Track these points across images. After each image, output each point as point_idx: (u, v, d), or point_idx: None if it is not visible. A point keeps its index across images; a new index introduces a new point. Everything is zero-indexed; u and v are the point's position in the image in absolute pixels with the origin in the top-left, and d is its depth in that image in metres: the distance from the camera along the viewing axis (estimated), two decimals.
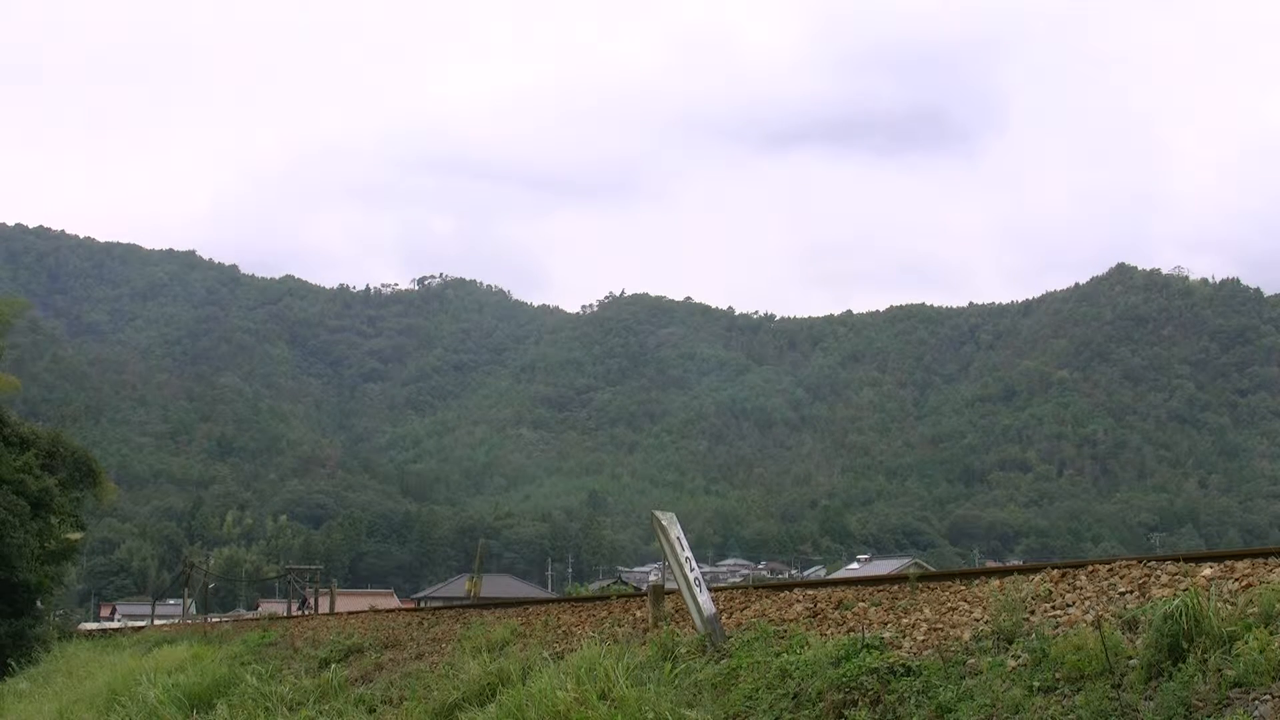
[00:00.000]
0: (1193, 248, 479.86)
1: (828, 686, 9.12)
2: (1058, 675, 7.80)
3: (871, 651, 9.40)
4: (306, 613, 44.83)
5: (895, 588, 11.62)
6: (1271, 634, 7.06)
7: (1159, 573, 8.90)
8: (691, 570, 12.01)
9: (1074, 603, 9.05)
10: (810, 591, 12.84)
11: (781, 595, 13.13)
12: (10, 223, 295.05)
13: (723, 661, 10.92)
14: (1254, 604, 7.55)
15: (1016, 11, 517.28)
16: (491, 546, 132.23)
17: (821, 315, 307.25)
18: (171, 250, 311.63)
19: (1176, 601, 7.55)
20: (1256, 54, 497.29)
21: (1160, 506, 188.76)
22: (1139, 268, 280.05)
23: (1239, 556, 8.90)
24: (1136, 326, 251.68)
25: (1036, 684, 7.80)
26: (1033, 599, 9.37)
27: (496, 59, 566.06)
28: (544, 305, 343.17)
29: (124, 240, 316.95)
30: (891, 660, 9.08)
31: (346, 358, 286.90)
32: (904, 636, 9.79)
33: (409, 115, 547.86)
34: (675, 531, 12.27)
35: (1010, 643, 8.66)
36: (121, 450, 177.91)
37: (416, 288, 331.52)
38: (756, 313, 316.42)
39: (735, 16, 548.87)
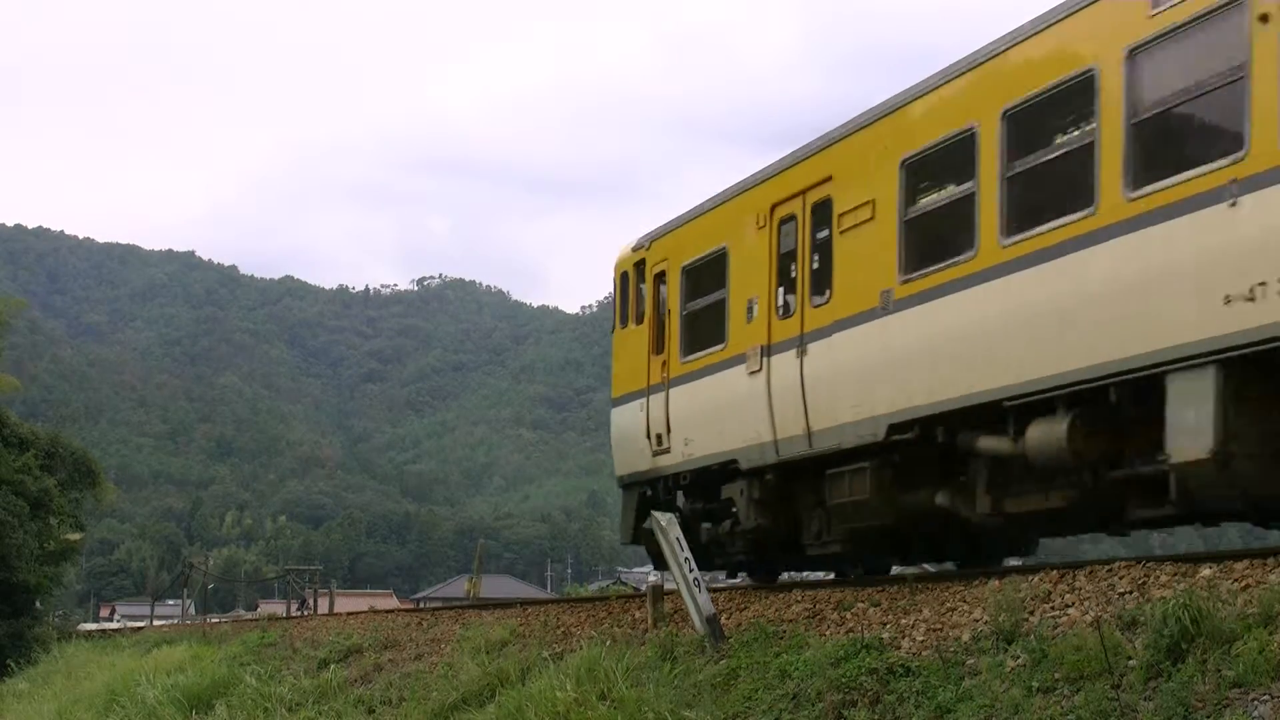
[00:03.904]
0: None
1: (827, 687, 9.12)
2: (1057, 675, 7.79)
3: (871, 652, 9.40)
4: (306, 613, 44.68)
5: (894, 588, 11.60)
6: (1271, 634, 7.05)
7: (1159, 573, 8.89)
8: (691, 571, 12.01)
9: (1073, 603, 9.02)
10: (809, 592, 12.83)
11: (781, 596, 13.11)
12: (10, 223, 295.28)
13: (722, 662, 10.91)
14: (1253, 604, 7.53)
15: (1015, 13, 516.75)
16: (491, 547, 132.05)
17: None
18: (171, 251, 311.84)
19: (1176, 602, 7.55)
20: None
21: None
22: None
23: (1238, 556, 8.88)
24: None
25: (1036, 684, 7.80)
26: (1032, 599, 9.36)
27: (496, 59, 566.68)
28: (543, 305, 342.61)
29: (123, 241, 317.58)
30: (891, 661, 9.08)
31: (346, 358, 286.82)
32: (903, 637, 9.78)
33: (409, 115, 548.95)
34: (675, 532, 12.28)
35: (1010, 643, 8.64)
36: (121, 451, 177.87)
37: (415, 288, 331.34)
38: None
39: (734, 17, 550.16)
